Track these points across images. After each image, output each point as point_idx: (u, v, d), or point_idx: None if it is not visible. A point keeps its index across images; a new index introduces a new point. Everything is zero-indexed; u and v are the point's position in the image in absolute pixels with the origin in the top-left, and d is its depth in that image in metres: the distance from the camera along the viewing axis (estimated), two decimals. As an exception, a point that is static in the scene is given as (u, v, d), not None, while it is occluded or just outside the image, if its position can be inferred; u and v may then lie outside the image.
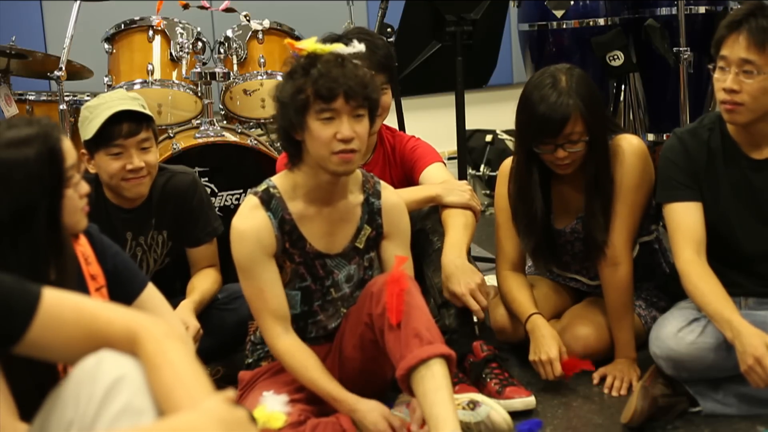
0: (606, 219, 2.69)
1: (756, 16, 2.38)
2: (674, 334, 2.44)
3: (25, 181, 1.70)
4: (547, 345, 2.62)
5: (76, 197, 1.83)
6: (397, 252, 2.44)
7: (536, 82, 2.65)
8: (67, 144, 1.82)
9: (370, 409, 2.24)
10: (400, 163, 2.89)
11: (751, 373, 2.25)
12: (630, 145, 2.71)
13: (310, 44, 2.28)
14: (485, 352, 2.65)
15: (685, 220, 2.50)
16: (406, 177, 2.87)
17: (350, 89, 2.20)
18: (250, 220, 2.33)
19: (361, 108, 2.25)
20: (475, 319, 2.67)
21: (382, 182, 2.49)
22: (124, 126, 2.62)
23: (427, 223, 2.75)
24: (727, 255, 2.54)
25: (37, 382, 1.63)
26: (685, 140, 2.56)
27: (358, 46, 2.31)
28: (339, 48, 2.28)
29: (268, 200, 2.34)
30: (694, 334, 2.42)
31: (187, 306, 2.70)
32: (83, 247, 2.06)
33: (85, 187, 1.86)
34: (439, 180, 2.78)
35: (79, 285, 1.99)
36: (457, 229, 2.65)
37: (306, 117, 2.24)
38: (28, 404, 1.53)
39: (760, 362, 2.23)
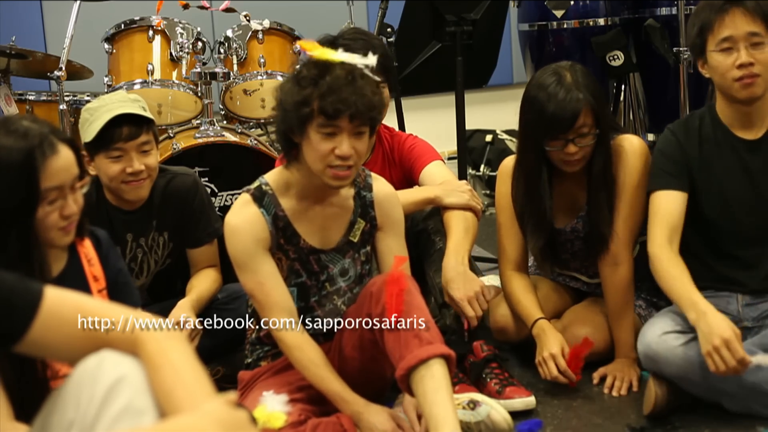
0: (611, 213, 2.70)
1: None
2: (658, 335, 2.44)
3: (3, 185, 1.79)
4: (549, 343, 2.62)
5: (55, 215, 1.87)
6: (392, 243, 2.45)
7: (539, 82, 2.65)
8: (57, 163, 1.85)
9: (378, 411, 2.25)
10: (399, 162, 2.89)
11: (714, 354, 2.25)
12: (631, 145, 2.72)
13: (323, 53, 2.25)
14: (485, 352, 2.66)
15: (664, 207, 2.54)
16: (405, 176, 2.87)
17: (356, 111, 2.19)
18: (242, 215, 2.33)
19: (363, 126, 2.25)
20: (466, 326, 2.65)
21: (373, 174, 2.49)
22: (124, 129, 2.62)
23: (429, 223, 2.75)
24: (725, 245, 2.56)
25: (20, 384, 1.64)
26: (676, 132, 2.61)
27: (371, 59, 2.28)
28: (351, 58, 2.25)
29: (261, 197, 2.35)
30: (679, 341, 2.42)
31: (185, 304, 2.70)
32: (87, 249, 2.08)
33: (70, 209, 1.89)
34: (440, 178, 2.78)
35: (82, 285, 2.01)
36: (459, 234, 2.65)
37: (307, 127, 2.24)
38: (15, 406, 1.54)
39: (728, 344, 2.23)
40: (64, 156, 1.88)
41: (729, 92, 2.50)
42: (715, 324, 2.27)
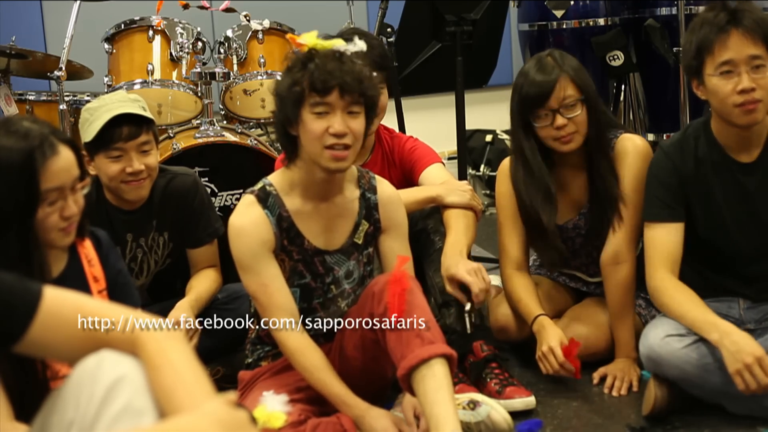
0: (615, 178, 2.71)
1: (741, 12, 2.39)
2: (661, 337, 2.43)
3: (3, 185, 1.79)
4: (548, 337, 2.62)
5: (55, 216, 1.87)
6: (395, 245, 2.45)
7: (522, 71, 2.73)
8: (57, 164, 1.85)
9: (379, 415, 2.25)
10: (399, 163, 2.89)
11: (744, 372, 2.23)
12: (635, 145, 2.73)
13: (311, 39, 2.28)
14: (485, 352, 2.66)
15: (662, 241, 2.51)
16: (406, 178, 2.87)
17: (345, 84, 2.21)
18: (247, 216, 2.33)
19: (357, 104, 2.26)
20: (467, 321, 2.64)
21: (377, 177, 2.50)
22: (124, 129, 2.62)
23: (428, 222, 2.75)
24: (723, 260, 2.56)
25: (20, 384, 1.64)
26: (671, 155, 2.56)
27: (359, 44, 2.31)
28: (339, 44, 2.28)
29: (265, 198, 2.35)
30: (682, 343, 2.41)
31: (184, 305, 2.70)
32: (87, 250, 2.08)
33: (70, 210, 1.89)
34: (439, 180, 2.79)
35: (82, 286, 2.01)
36: (458, 231, 2.65)
37: (301, 110, 2.25)
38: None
39: (760, 362, 2.22)
40: (65, 157, 1.88)
41: (728, 117, 2.43)
42: (743, 342, 2.24)
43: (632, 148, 2.72)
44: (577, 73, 2.67)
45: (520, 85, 2.69)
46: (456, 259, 2.54)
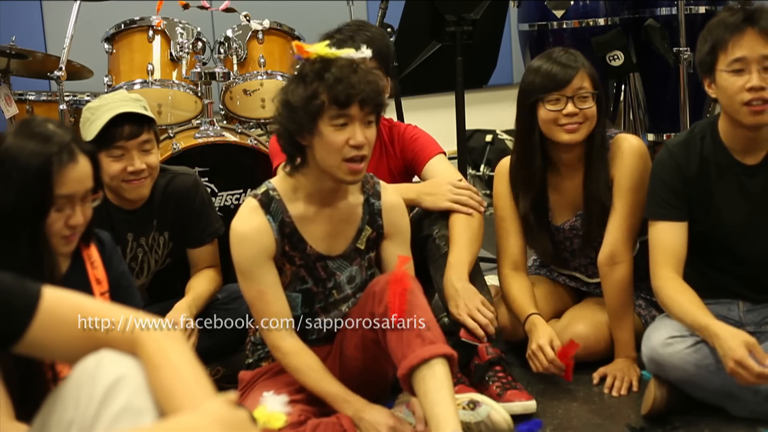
0: (607, 185, 2.72)
1: (758, 13, 2.40)
2: (664, 339, 2.43)
3: (19, 186, 1.82)
4: (538, 335, 2.63)
5: (60, 224, 1.89)
6: (397, 252, 2.44)
7: (534, 64, 2.74)
8: (72, 173, 1.87)
9: (377, 409, 2.25)
10: (400, 153, 2.89)
11: (734, 374, 2.26)
12: (630, 145, 2.73)
13: (320, 48, 2.27)
14: (490, 355, 2.64)
15: (667, 240, 2.51)
16: (406, 167, 2.87)
17: (366, 96, 2.21)
18: (249, 223, 2.32)
19: (372, 114, 2.26)
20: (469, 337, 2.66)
21: (381, 182, 2.49)
22: (126, 128, 2.62)
23: (434, 228, 2.75)
24: (723, 261, 2.56)
25: (22, 384, 1.64)
26: (675, 154, 2.55)
27: (366, 51, 2.30)
28: (349, 53, 2.27)
29: (268, 203, 2.34)
30: (684, 344, 2.41)
31: (182, 305, 2.70)
32: (90, 252, 2.08)
33: (76, 219, 1.91)
34: (442, 174, 2.79)
35: (85, 288, 2.01)
36: (461, 246, 2.66)
37: (318, 121, 2.23)
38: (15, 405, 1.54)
39: (741, 364, 2.23)
40: (82, 167, 1.90)
41: (736, 116, 2.43)
42: (726, 346, 2.26)
43: (628, 148, 2.73)
44: (593, 71, 2.72)
45: (536, 70, 2.70)
46: (455, 289, 2.57)
